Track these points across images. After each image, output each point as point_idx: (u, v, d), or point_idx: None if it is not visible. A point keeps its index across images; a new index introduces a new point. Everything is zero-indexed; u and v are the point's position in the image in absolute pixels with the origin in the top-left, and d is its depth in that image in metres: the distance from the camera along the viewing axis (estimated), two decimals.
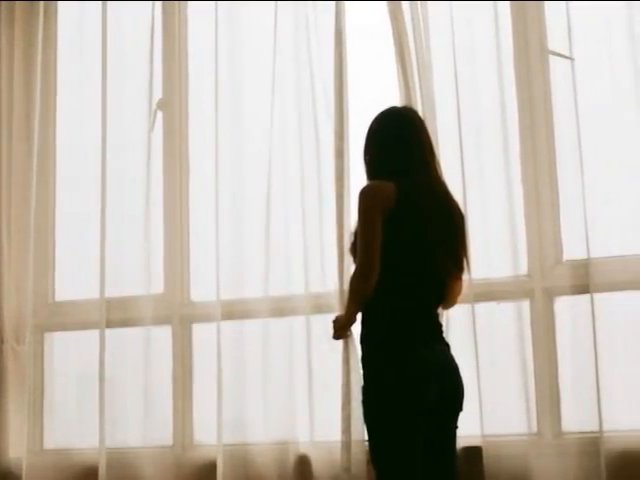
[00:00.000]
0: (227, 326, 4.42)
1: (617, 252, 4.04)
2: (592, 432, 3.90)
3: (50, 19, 5.01)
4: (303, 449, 4.27)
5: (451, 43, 4.22)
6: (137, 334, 4.62)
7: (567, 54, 4.14)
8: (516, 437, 4.07)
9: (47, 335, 4.85)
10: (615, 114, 4.12)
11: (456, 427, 3.48)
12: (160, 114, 4.77)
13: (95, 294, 4.62)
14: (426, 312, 3.45)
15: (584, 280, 4.00)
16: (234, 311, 4.43)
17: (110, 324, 4.59)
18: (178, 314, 4.62)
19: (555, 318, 4.12)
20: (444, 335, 3.54)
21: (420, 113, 3.93)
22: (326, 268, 4.29)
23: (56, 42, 5.03)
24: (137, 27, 4.81)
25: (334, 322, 3.61)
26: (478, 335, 4.04)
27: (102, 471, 4.44)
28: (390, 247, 3.36)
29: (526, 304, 4.15)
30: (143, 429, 4.54)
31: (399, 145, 3.52)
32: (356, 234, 3.45)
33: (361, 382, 3.42)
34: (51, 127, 4.97)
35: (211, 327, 4.42)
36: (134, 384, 4.58)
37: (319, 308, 4.28)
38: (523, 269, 4.18)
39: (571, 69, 4.11)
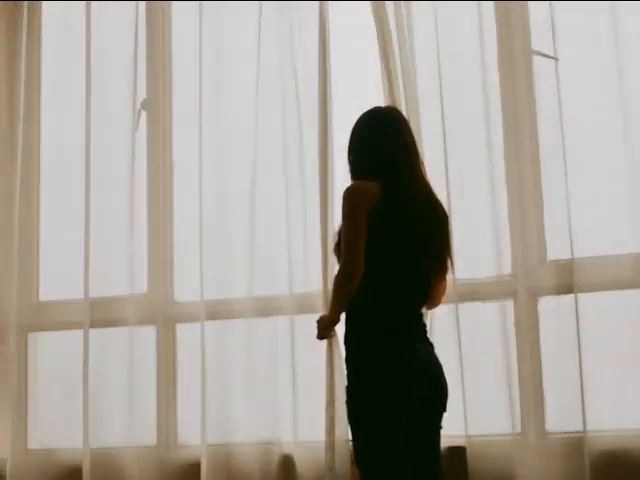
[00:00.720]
0: (211, 326, 4.42)
1: (601, 252, 4.05)
2: (576, 432, 3.91)
3: (34, 19, 5.00)
4: (287, 449, 4.27)
5: (435, 43, 4.23)
6: (121, 334, 4.61)
7: (551, 54, 4.14)
8: (500, 437, 4.06)
9: (31, 335, 4.84)
10: (599, 114, 4.12)
11: (440, 427, 3.47)
12: (144, 114, 4.77)
13: (79, 294, 4.62)
14: (410, 312, 3.44)
15: (568, 280, 4.00)
16: (218, 311, 4.43)
17: (94, 324, 4.59)
18: (162, 314, 4.61)
19: (539, 318, 4.13)
20: (428, 335, 3.53)
21: (404, 113, 3.92)
22: (310, 268, 4.30)
23: (40, 42, 5.02)
24: (121, 27, 4.80)
25: (318, 322, 3.59)
26: (462, 335, 4.05)
27: (86, 471, 4.44)
28: (374, 247, 3.35)
29: (510, 304, 4.14)
30: (127, 429, 4.53)
31: (383, 145, 3.51)
32: (340, 234, 3.45)
33: (345, 382, 3.41)
34: (35, 127, 4.95)
35: (195, 327, 4.43)
36: (118, 384, 4.57)
37: (303, 308, 4.29)
38: (507, 269, 4.17)
39: (555, 69, 4.12)
